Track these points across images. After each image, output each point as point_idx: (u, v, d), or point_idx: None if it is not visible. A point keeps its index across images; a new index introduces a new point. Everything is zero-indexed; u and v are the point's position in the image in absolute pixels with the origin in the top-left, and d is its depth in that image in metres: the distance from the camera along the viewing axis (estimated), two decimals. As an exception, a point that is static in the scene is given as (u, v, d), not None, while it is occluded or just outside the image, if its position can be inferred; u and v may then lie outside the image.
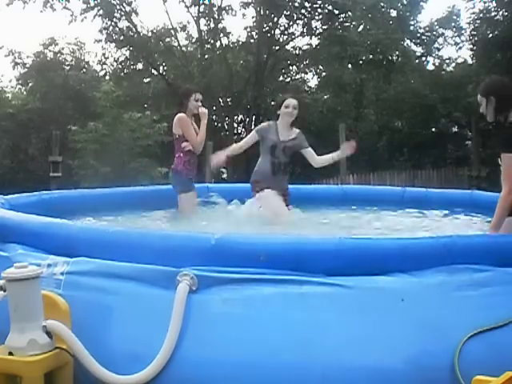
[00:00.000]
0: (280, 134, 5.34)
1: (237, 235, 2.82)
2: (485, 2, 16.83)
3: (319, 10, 19.27)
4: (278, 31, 19.92)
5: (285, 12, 19.13)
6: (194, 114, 5.54)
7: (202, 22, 19.51)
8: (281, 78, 22.07)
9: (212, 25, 19.34)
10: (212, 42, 19.76)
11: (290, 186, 6.58)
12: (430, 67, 22.25)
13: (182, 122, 5.43)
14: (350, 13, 19.71)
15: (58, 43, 19.31)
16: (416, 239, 2.87)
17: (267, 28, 19.54)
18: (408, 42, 21.84)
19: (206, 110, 5.56)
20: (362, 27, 21.07)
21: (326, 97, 22.29)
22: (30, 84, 19.29)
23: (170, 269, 2.50)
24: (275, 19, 19.42)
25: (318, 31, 19.92)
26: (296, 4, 19.05)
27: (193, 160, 5.52)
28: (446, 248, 2.66)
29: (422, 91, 19.34)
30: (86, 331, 2.37)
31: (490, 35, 16.26)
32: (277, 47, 19.79)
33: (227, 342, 2.32)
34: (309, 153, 5.53)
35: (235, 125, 21.25)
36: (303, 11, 19.23)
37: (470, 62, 20.20)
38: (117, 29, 19.33)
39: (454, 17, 21.69)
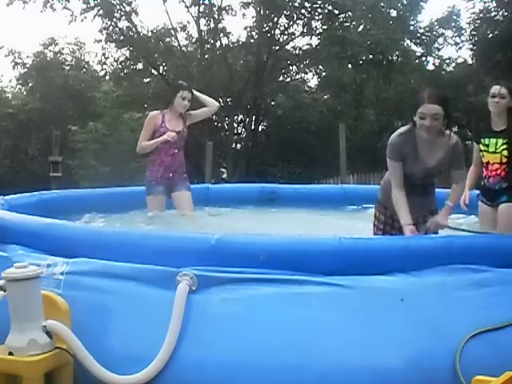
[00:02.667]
0: (421, 153, 3.46)
1: (236, 235, 2.83)
2: (485, 2, 16.82)
3: (319, 10, 19.27)
4: (278, 31, 19.91)
5: (285, 12, 19.12)
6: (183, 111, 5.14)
7: (202, 22, 19.51)
8: (281, 78, 22.05)
9: (212, 25, 19.33)
10: (212, 41, 19.75)
11: (289, 186, 6.55)
12: (430, 67, 22.22)
13: (146, 119, 5.18)
14: (350, 13, 19.71)
15: (58, 43, 19.31)
16: (415, 239, 2.88)
17: (267, 28, 19.53)
18: (408, 41, 21.82)
19: (171, 137, 4.98)
20: (362, 27, 21.05)
21: (325, 97, 22.28)
22: (30, 84, 19.28)
23: (170, 269, 2.51)
24: (275, 19, 19.41)
25: (318, 31, 19.92)
26: (296, 4, 19.04)
27: (159, 160, 5.08)
28: (445, 248, 2.66)
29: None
30: (85, 331, 2.37)
31: (490, 35, 16.24)
32: (277, 47, 19.77)
33: (227, 341, 2.32)
34: (457, 176, 3.65)
35: (235, 125, 21.24)
36: (303, 11, 19.22)
37: (470, 62, 20.18)
38: (117, 29, 19.32)
39: (454, 17, 21.67)
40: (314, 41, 20.50)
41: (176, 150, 5.13)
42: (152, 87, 20.38)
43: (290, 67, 22.02)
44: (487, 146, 4.01)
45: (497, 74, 15.97)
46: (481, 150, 4.07)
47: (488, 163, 4.02)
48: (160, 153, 5.08)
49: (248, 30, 20.30)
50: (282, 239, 2.75)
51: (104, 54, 20.75)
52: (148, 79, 21.03)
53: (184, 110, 5.15)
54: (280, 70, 21.35)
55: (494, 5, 16.60)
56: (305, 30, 19.82)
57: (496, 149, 3.96)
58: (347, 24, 20.12)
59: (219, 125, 21.19)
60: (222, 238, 2.61)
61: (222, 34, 19.56)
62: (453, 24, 21.69)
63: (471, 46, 18.30)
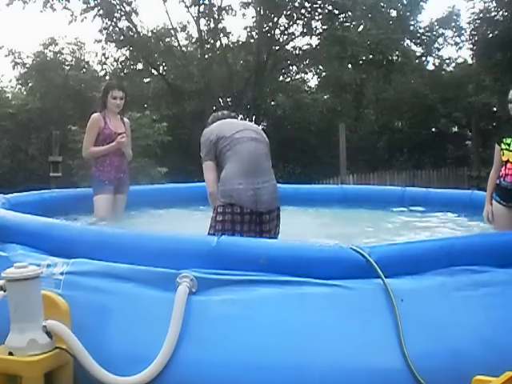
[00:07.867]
0: None
1: (237, 238, 2.82)
2: (485, 2, 16.78)
3: (319, 10, 19.24)
4: (278, 31, 19.88)
5: (285, 12, 19.10)
6: (118, 112, 5.22)
7: (202, 21, 19.47)
8: (281, 78, 22.04)
9: (212, 25, 19.30)
10: (212, 41, 19.72)
11: (289, 186, 6.55)
12: (430, 67, 22.22)
13: (89, 123, 5.14)
14: (349, 13, 19.67)
15: (58, 43, 19.24)
16: (414, 242, 2.87)
17: (267, 28, 19.51)
18: (408, 41, 21.80)
19: (123, 141, 5.09)
20: (362, 27, 21.03)
21: (326, 97, 22.27)
22: (30, 84, 19.22)
23: (170, 270, 2.50)
24: (275, 19, 19.39)
25: (318, 31, 19.90)
26: (296, 4, 19.02)
27: (109, 161, 5.12)
28: (444, 250, 2.66)
29: (422, 91, 19.31)
30: (86, 331, 2.37)
31: (490, 35, 16.21)
32: (277, 47, 19.76)
33: (227, 343, 2.32)
34: None
35: (235, 125, 21.20)
36: (303, 11, 19.20)
37: (470, 61, 20.15)
38: (117, 29, 19.30)
39: (454, 17, 21.65)
40: (314, 41, 20.49)
41: (122, 151, 5.23)
42: (152, 87, 20.37)
43: (290, 67, 22.00)
44: (508, 144, 4.08)
45: (497, 74, 15.97)
46: (502, 149, 4.12)
47: (507, 161, 4.05)
48: (109, 154, 5.13)
49: (248, 30, 20.29)
50: (281, 244, 2.74)
51: (104, 54, 20.75)
52: (148, 79, 21.02)
53: (118, 108, 5.20)
54: (280, 70, 21.34)
55: (494, 5, 16.57)
56: (305, 30, 19.80)
57: None
58: (347, 24, 20.08)
59: (219, 125, 21.11)
60: (222, 241, 2.61)
61: (222, 34, 19.54)
62: (453, 24, 21.68)
63: (471, 46, 18.26)
